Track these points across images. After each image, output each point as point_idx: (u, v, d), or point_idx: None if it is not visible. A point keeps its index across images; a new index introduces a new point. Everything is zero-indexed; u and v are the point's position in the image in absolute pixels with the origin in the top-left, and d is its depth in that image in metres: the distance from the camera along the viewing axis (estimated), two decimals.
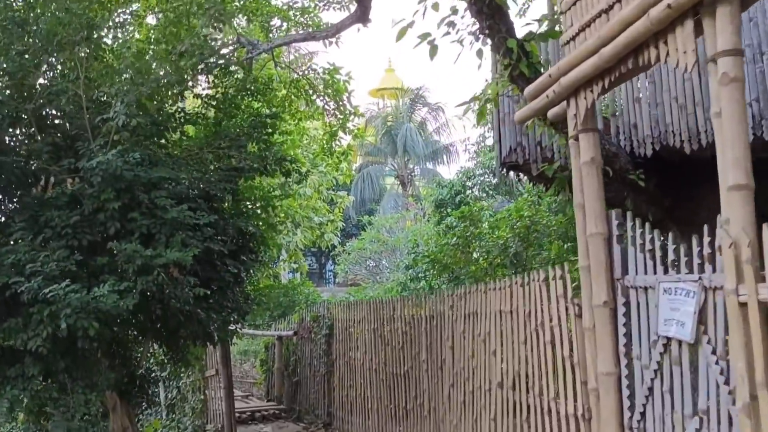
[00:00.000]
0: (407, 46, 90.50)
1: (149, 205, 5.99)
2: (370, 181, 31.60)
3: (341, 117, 13.26)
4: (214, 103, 7.67)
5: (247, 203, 7.96)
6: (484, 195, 18.35)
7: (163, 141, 7.00)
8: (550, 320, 5.54)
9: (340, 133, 13.59)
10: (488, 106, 5.80)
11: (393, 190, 32.84)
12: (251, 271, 7.49)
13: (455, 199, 18.08)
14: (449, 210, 18.18)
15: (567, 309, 5.33)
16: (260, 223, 7.98)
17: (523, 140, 6.67)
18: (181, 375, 10.81)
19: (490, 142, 18.27)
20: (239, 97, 7.75)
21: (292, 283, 19.35)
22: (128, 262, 5.63)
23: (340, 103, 13.14)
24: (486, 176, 17.66)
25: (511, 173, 7.44)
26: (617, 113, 6.35)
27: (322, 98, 13.22)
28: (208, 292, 6.33)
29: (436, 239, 17.50)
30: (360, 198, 30.94)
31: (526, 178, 7.57)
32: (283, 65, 13.17)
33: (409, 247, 18.11)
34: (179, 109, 7.32)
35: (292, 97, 12.70)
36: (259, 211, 8.34)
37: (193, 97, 8.20)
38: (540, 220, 8.96)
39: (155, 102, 6.86)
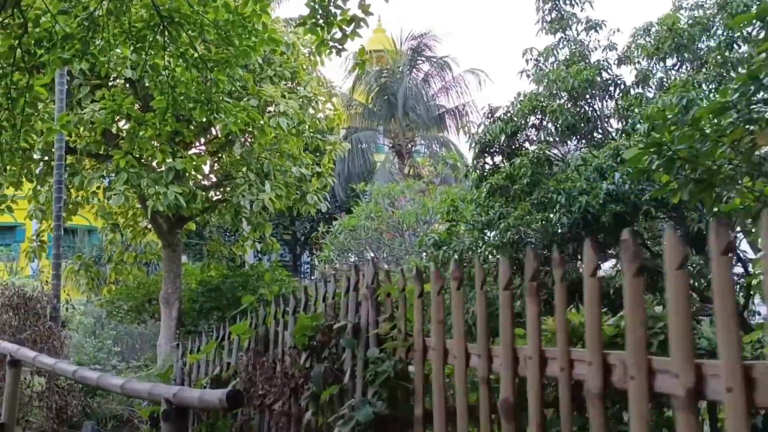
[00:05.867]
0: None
1: None
2: (361, 150, 24.90)
3: None
4: None
5: None
6: (550, 139, 11.89)
7: None
8: None
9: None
10: None
11: (387, 166, 26.28)
12: None
13: (510, 141, 11.61)
14: (498, 159, 11.77)
15: None
16: None
17: None
18: None
19: (564, 52, 11.83)
20: None
21: (255, 270, 12.68)
22: None
23: None
24: (563, 105, 11.17)
25: None
26: None
27: None
28: None
29: (481, 200, 11.20)
30: (346, 171, 24.38)
31: None
32: None
33: (442, 212, 11.58)
34: None
35: None
36: None
37: None
38: None
39: None
